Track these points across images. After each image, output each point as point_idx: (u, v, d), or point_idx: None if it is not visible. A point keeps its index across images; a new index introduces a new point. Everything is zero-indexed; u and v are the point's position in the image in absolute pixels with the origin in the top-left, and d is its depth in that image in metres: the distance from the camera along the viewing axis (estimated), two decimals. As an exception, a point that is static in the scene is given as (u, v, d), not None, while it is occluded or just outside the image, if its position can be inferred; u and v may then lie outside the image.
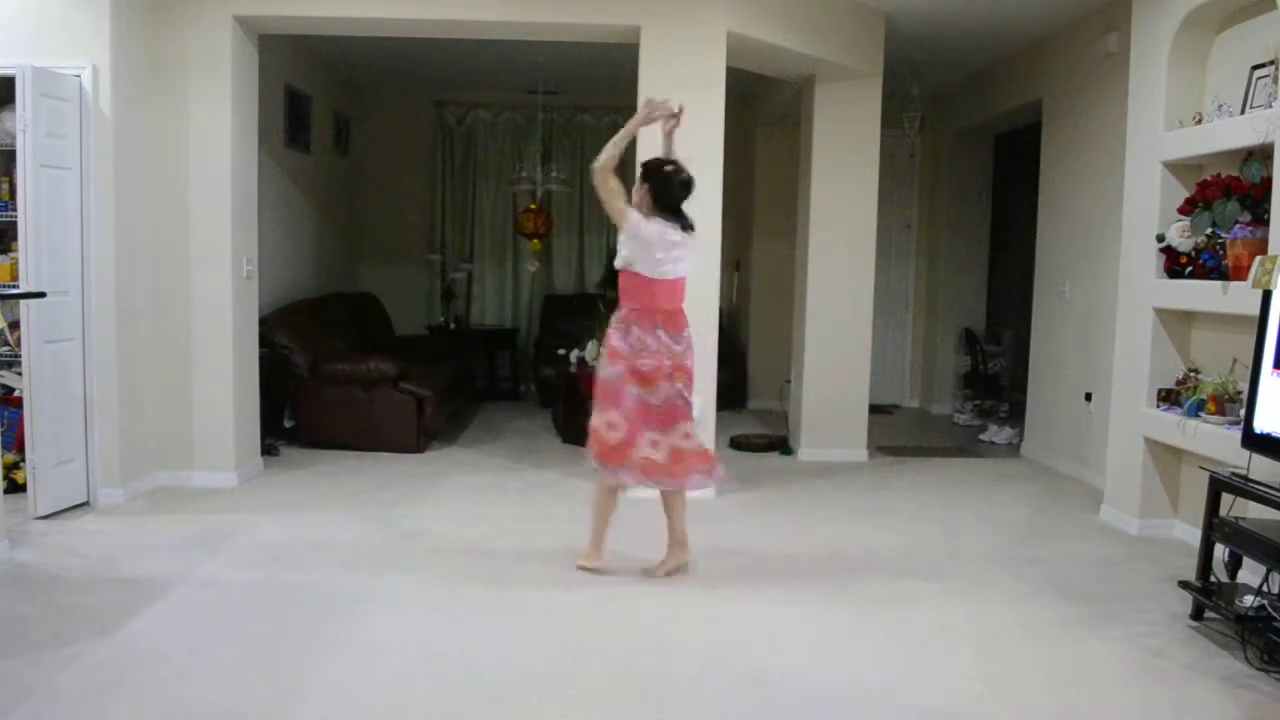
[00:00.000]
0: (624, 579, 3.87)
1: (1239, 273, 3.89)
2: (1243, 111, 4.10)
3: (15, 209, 4.39)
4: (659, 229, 3.77)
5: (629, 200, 3.82)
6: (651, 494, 4.02)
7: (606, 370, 3.85)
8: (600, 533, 3.93)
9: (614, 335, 3.85)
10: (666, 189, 3.81)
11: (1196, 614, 3.50)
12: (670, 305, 3.83)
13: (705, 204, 5.12)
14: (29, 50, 4.50)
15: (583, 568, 3.91)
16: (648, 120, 3.95)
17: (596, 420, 3.84)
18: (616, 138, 3.83)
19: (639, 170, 3.95)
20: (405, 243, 8.83)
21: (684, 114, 3.96)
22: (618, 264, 3.85)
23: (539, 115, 8.43)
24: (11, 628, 3.20)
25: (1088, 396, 5.77)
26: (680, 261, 3.83)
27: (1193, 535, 4.25)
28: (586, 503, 5.06)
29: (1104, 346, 5.38)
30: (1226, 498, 3.49)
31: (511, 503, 5.07)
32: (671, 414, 3.83)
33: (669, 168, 3.85)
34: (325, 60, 7.49)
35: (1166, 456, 4.59)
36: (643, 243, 3.76)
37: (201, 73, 5.00)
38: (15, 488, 4.55)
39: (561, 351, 6.77)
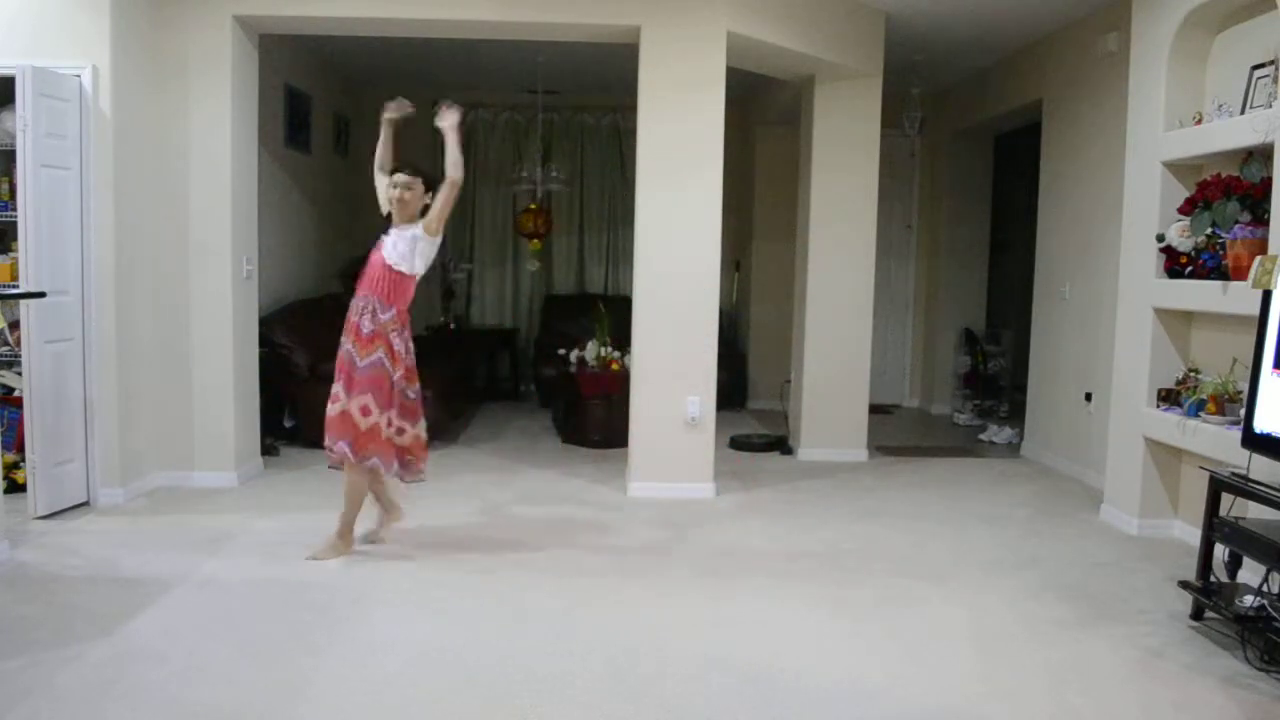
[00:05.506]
0: (624, 579, 3.88)
1: (1239, 273, 3.89)
2: (1243, 111, 4.10)
3: (15, 209, 4.39)
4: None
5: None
6: None
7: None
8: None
9: (397, 338, 4.37)
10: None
11: (1196, 614, 3.51)
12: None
13: (705, 204, 5.16)
14: (29, 50, 4.51)
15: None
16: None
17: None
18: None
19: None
20: (405, 243, 8.80)
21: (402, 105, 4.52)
22: (418, 268, 4.44)
23: (539, 115, 8.43)
24: (11, 628, 3.20)
25: (1087, 396, 5.77)
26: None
27: (1193, 535, 4.25)
28: (587, 503, 5.08)
29: (1104, 346, 5.38)
30: (1226, 498, 3.49)
31: (512, 502, 5.07)
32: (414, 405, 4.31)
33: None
34: (325, 60, 7.49)
35: (1166, 456, 4.59)
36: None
37: (201, 73, 5.01)
38: (15, 488, 4.55)
39: (561, 351, 6.78)
